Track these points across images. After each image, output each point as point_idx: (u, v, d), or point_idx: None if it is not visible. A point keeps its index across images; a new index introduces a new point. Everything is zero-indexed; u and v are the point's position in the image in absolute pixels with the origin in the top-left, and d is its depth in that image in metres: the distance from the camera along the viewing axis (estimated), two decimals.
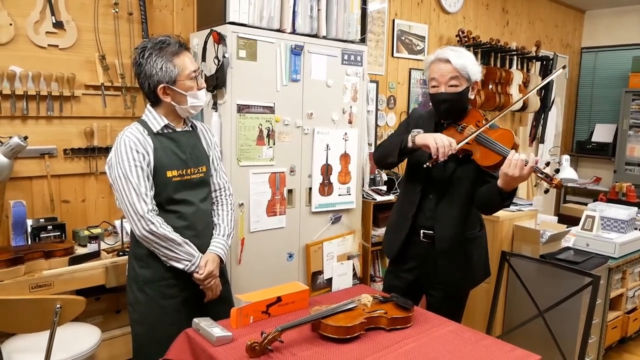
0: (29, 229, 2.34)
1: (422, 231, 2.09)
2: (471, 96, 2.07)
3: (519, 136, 5.16)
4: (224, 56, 2.37)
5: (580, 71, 6.10)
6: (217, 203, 2.01)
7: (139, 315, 1.84)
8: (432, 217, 2.06)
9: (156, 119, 1.82)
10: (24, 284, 2.05)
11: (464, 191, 2.02)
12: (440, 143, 1.86)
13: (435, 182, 2.05)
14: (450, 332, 1.67)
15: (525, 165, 1.72)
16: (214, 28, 2.43)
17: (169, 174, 1.80)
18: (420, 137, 1.94)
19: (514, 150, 1.81)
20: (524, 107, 4.74)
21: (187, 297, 1.86)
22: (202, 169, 1.91)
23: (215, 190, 2.01)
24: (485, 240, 2.21)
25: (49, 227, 2.38)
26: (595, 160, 5.90)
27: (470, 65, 2.00)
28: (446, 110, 2.03)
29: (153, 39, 1.81)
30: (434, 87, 2.03)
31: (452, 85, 1.99)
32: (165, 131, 1.84)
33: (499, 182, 1.80)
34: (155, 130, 1.81)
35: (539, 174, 1.77)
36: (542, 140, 5.23)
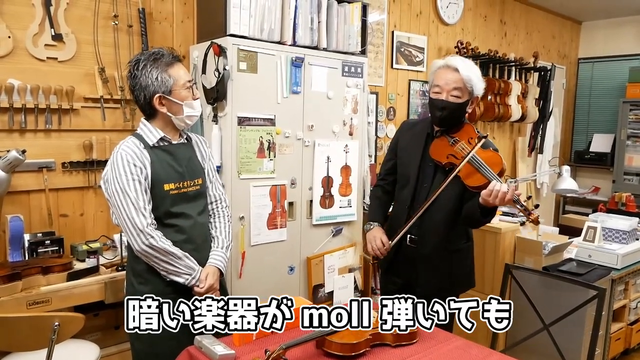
0: (27, 244, 2.30)
1: (408, 236, 2.14)
2: (469, 110, 2.09)
3: (517, 147, 5.16)
4: (224, 68, 2.36)
5: (578, 81, 6.12)
6: (215, 215, 1.99)
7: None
8: (418, 225, 2.10)
9: (152, 132, 1.80)
10: (21, 300, 2.02)
11: (450, 201, 2.05)
12: (374, 246, 2.15)
13: (424, 191, 2.10)
14: (456, 348, 1.64)
15: (505, 197, 1.78)
16: (215, 40, 2.42)
17: (166, 187, 1.78)
18: (368, 233, 2.24)
19: (495, 182, 1.84)
20: (523, 118, 4.75)
21: None
22: (198, 181, 1.89)
23: (211, 203, 1.99)
24: (472, 253, 2.24)
25: (47, 242, 2.34)
26: (593, 170, 5.90)
27: (476, 79, 2.03)
28: (441, 118, 2.05)
29: (146, 52, 1.82)
30: (436, 93, 2.04)
31: (454, 95, 2.01)
32: (161, 144, 1.82)
33: (480, 200, 1.86)
34: (151, 144, 1.79)
35: (518, 206, 1.82)
36: (540, 151, 5.24)
